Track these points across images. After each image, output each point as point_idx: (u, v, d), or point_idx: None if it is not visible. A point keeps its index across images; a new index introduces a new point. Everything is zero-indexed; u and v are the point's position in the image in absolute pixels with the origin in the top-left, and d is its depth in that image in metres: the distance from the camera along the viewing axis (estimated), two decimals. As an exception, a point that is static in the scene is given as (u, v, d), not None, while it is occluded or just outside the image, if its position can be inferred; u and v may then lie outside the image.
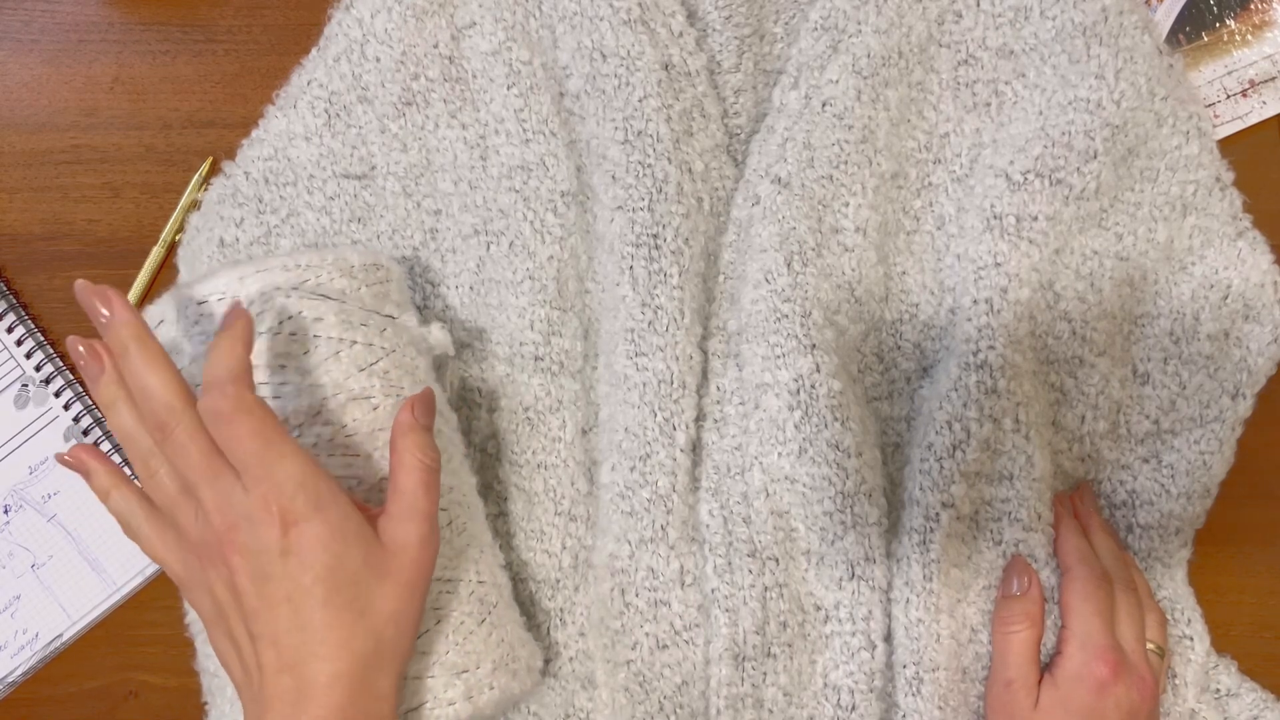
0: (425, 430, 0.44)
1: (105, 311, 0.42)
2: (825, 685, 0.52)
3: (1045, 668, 0.49)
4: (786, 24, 0.58)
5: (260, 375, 0.45)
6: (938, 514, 0.51)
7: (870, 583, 0.51)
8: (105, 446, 0.58)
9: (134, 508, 0.44)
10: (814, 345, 0.52)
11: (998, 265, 0.53)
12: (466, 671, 0.46)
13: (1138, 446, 0.55)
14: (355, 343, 0.46)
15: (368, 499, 0.45)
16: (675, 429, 0.52)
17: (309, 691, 0.40)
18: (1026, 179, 0.53)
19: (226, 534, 0.41)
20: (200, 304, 0.46)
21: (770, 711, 0.52)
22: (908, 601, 0.51)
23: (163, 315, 0.47)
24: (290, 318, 0.46)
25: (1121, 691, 0.47)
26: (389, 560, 0.42)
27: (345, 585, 0.41)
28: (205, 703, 0.54)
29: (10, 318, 0.59)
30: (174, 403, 0.41)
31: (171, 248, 0.59)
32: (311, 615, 0.40)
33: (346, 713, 0.40)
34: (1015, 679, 0.49)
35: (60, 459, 0.46)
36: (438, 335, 0.50)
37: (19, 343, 0.58)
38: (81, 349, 0.43)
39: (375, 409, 0.46)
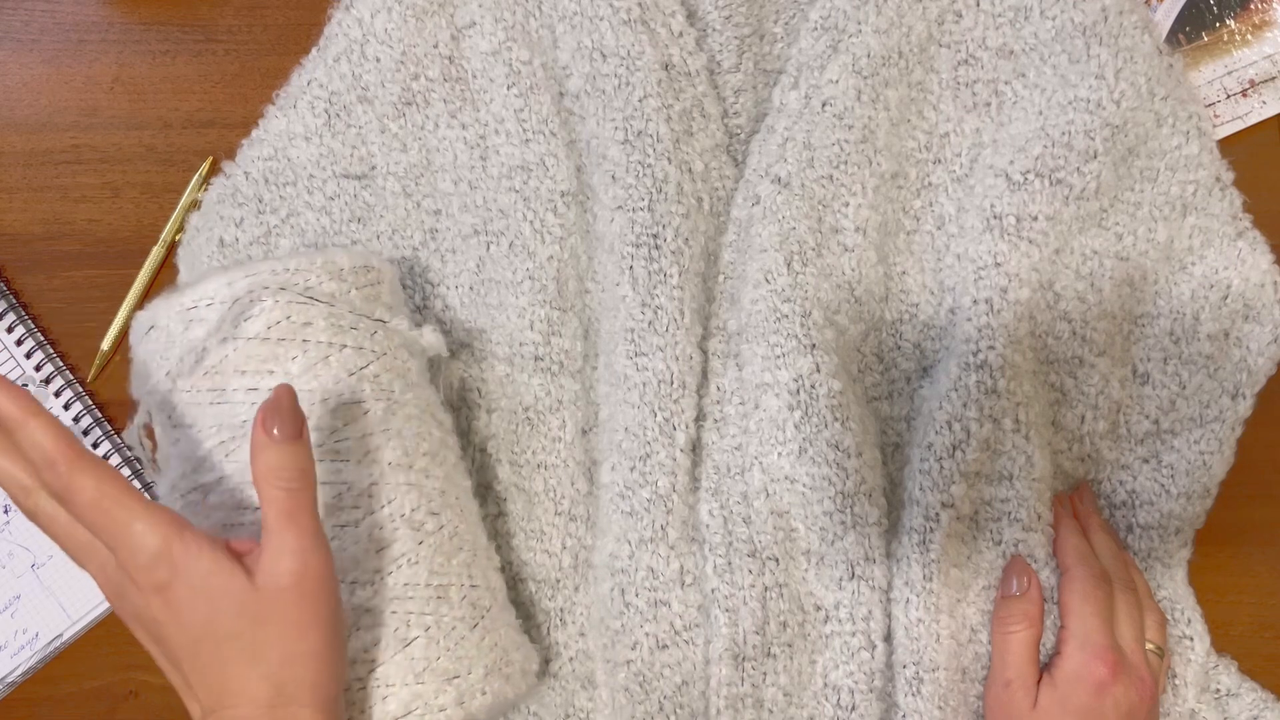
0: (283, 445, 0.40)
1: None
2: (825, 685, 0.52)
3: (1044, 668, 0.49)
4: (786, 24, 0.58)
5: (248, 381, 0.45)
6: (938, 514, 0.51)
7: (870, 583, 0.51)
8: (105, 447, 0.58)
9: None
10: (814, 345, 0.52)
11: (998, 265, 0.53)
12: (458, 677, 0.46)
13: (1137, 446, 0.55)
14: (345, 347, 0.46)
15: (357, 504, 0.45)
16: (675, 429, 0.52)
17: None
18: (1026, 179, 0.53)
19: (116, 603, 0.42)
20: (190, 309, 0.46)
21: (770, 711, 0.51)
22: (908, 601, 0.51)
23: (152, 321, 0.47)
24: (278, 322, 0.45)
25: (1120, 692, 0.47)
26: (265, 605, 0.40)
27: (225, 640, 0.40)
28: None
29: (10, 318, 0.59)
30: (16, 493, 0.42)
31: (171, 248, 0.59)
32: (206, 671, 0.40)
33: None
34: (1014, 679, 0.49)
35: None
36: (430, 338, 0.50)
37: (19, 343, 0.58)
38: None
39: (365, 413, 0.46)
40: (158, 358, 0.47)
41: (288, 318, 0.45)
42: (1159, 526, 0.54)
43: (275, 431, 0.39)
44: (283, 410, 0.40)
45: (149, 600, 0.40)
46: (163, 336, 0.47)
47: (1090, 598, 0.49)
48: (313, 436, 0.44)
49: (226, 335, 0.45)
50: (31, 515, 0.42)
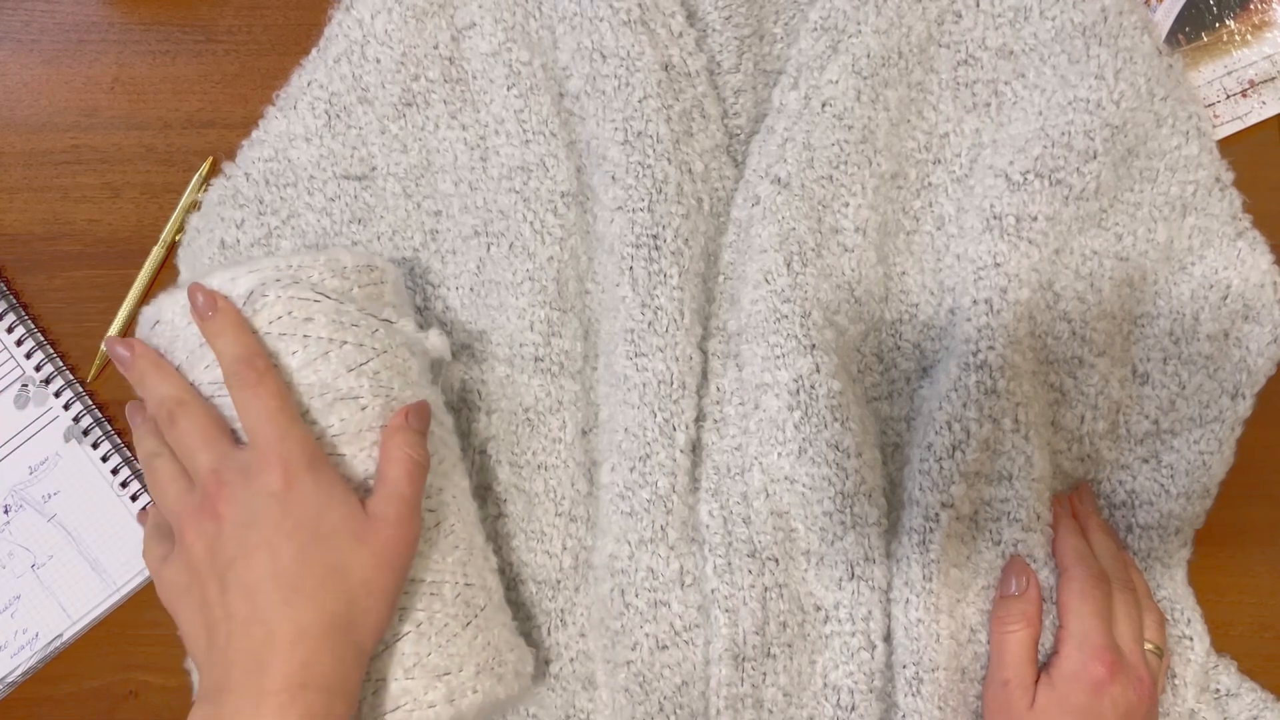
0: (417, 432, 0.46)
1: (125, 352, 0.48)
2: (825, 685, 0.52)
3: (1042, 667, 0.49)
4: (786, 24, 0.58)
5: None
6: (937, 514, 0.51)
7: (870, 583, 0.51)
8: (106, 447, 0.58)
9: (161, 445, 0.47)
10: (814, 345, 0.52)
11: (997, 265, 0.53)
12: (449, 674, 0.46)
13: (1137, 446, 0.55)
14: (345, 343, 0.47)
15: None
16: (675, 429, 0.52)
17: (274, 644, 0.41)
18: (1026, 179, 0.53)
19: (217, 489, 0.43)
20: None
21: (770, 712, 0.52)
22: (907, 602, 0.51)
23: (158, 315, 0.48)
24: (280, 318, 0.46)
25: (1118, 691, 0.47)
26: (368, 529, 0.44)
27: (323, 539, 0.42)
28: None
29: (10, 318, 0.59)
30: (183, 396, 0.46)
31: (171, 248, 0.59)
32: (287, 563, 0.42)
33: (310, 670, 0.41)
34: (1012, 678, 0.49)
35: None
36: (435, 340, 0.50)
37: (19, 343, 0.58)
38: (130, 407, 0.49)
39: (363, 409, 0.46)
40: (162, 352, 0.47)
41: (289, 313, 0.46)
42: (1159, 526, 0.54)
43: (411, 420, 0.46)
44: (423, 413, 0.47)
45: (263, 483, 0.43)
46: (168, 330, 0.47)
47: (1088, 598, 0.49)
48: (310, 430, 0.45)
49: None
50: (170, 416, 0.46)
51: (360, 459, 0.46)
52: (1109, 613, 0.49)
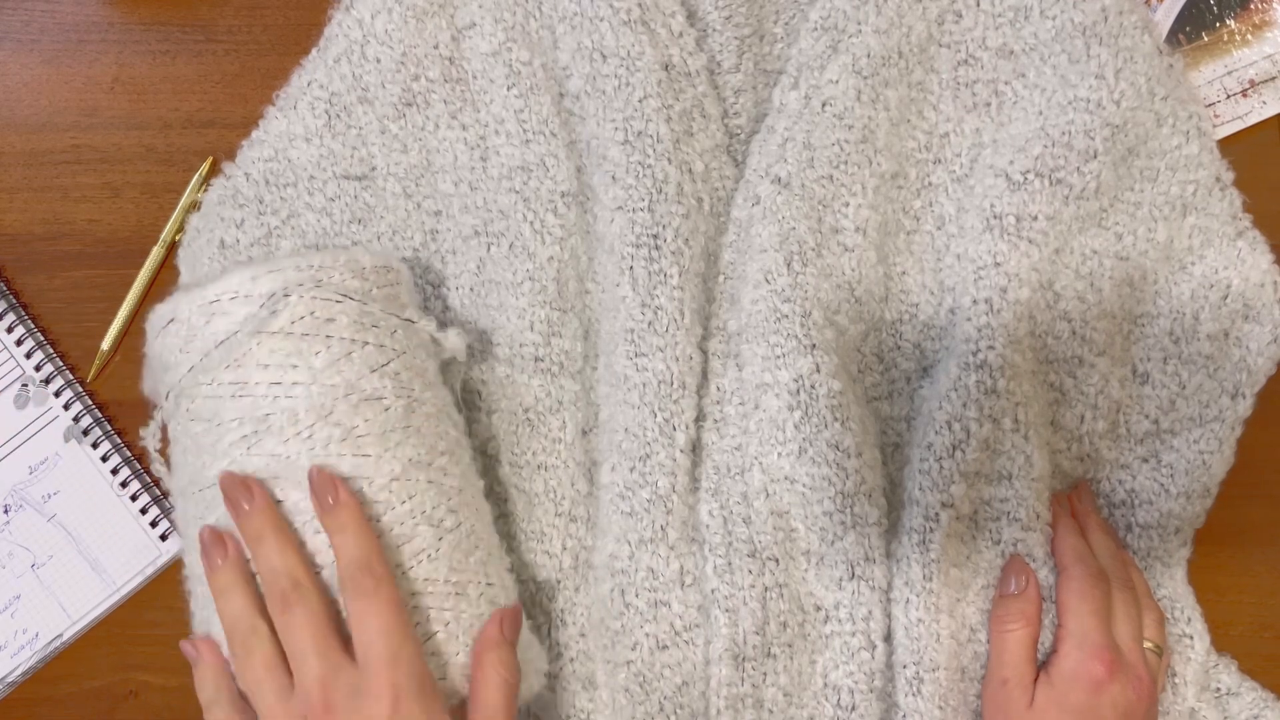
0: (510, 646, 0.46)
1: (246, 504, 0.44)
2: (825, 685, 0.52)
3: (1041, 666, 0.49)
4: (786, 24, 0.58)
5: (270, 375, 0.45)
6: (937, 514, 0.51)
7: (870, 583, 0.51)
8: (106, 447, 0.58)
9: (220, 692, 0.45)
10: (814, 345, 0.52)
11: (997, 265, 0.53)
12: None
13: (1137, 446, 0.55)
14: (367, 344, 0.47)
15: (377, 499, 0.45)
16: (675, 429, 0.52)
17: None
18: (1026, 179, 0.53)
19: (324, 706, 0.42)
20: (213, 303, 0.46)
21: (770, 712, 0.52)
22: (907, 601, 0.51)
23: (173, 313, 0.47)
24: (302, 318, 0.46)
25: (1117, 690, 0.47)
26: None
27: None
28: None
29: (10, 318, 0.59)
30: (301, 579, 0.44)
31: (171, 248, 0.59)
32: None
33: None
34: (1011, 677, 0.49)
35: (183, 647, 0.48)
36: (454, 340, 0.50)
37: (19, 343, 0.58)
38: (207, 537, 0.45)
39: (387, 410, 0.46)
40: (177, 351, 0.47)
41: (312, 313, 0.46)
42: (1158, 526, 0.54)
43: (506, 630, 0.46)
44: (517, 621, 0.47)
45: (375, 710, 0.41)
46: (183, 329, 0.47)
47: (1087, 597, 0.49)
48: (335, 432, 0.45)
49: (251, 329, 0.46)
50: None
51: (386, 459, 0.46)
52: (1108, 612, 0.49)
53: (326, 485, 0.44)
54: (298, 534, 0.45)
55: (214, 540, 0.45)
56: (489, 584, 0.48)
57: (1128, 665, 0.48)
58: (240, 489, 0.44)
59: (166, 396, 0.48)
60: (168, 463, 0.50)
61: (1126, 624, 0.50)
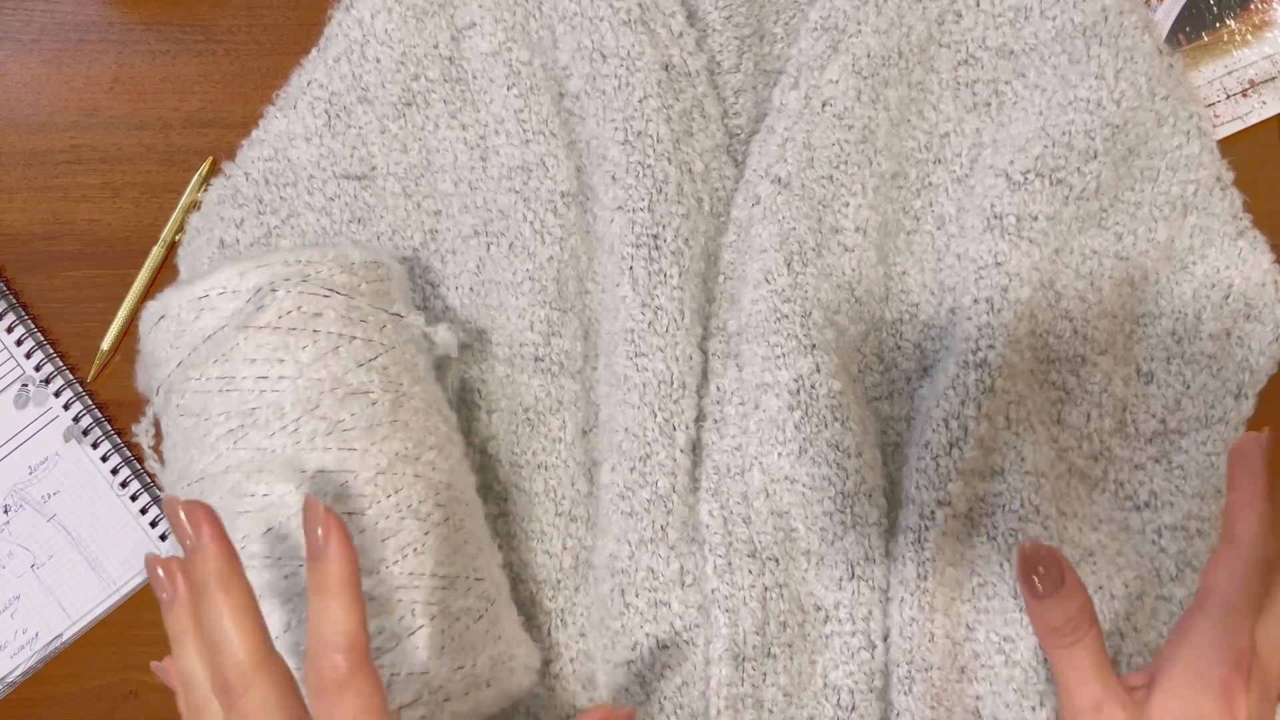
0: None
1: (191, 537, 0.37)
2: (825, 685, 0.52)
3: (1144, 668, 0.44)
4: (786, 24, 0.58)
5: (257, 369, 0.45)
6: (933, 512, 0.51)
7: (870, 583, 0.51)
8: (106, 447, 0.58)
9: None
10: (814, 345, 0.52)
11: (998, 265, 0.53)
12: (463, 667, 0.46)
13: (1147, 446, 0.55)
14: (355, 338, 0.47)
15: (363, 493, 0.45)
16: (675, 429, 0.52)
17: None
18: (1027, 179, 0.53)
19: None
20: (201, 298, 0.46)
21: (770, 712, 0.51)
22: (902, 600, 0.51)
23: (164, 310, 0.47)
24: (289, 312, 0.46)
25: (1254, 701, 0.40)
26: None
27: None
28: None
29: (10, 318, 0.59)
30: (246, 665, 0.35)
31: (171, 248, 0.59)
32: None
33: None
34: (1103, 697, 0.42)
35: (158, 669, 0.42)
36: (444, 335, 0.51)
37: (19, 343, 0.58)
38: (160, 571, 0.38)
39: (374, 404, 0.46)
40: (167, 347, 0.47)
41: (299, 308, 0.46)
42: (1183, 528, 0.53)
43: None
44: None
45: None
46: (173, 325, 0.47)
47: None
48: (321, 425, 0.45)
49: (237, 324, 0.46)
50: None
51: (372, 453, 0.46)
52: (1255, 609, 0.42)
53: (316, 522, 0.37)
54: (276, 530, 0.44)
55: (165, 575, 0.38)
56: (478, 579, 0.48)
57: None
58: (188, 516, 0.37)
59: (158, 392, 0.48)
60: (162, 459, 0.50)
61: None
